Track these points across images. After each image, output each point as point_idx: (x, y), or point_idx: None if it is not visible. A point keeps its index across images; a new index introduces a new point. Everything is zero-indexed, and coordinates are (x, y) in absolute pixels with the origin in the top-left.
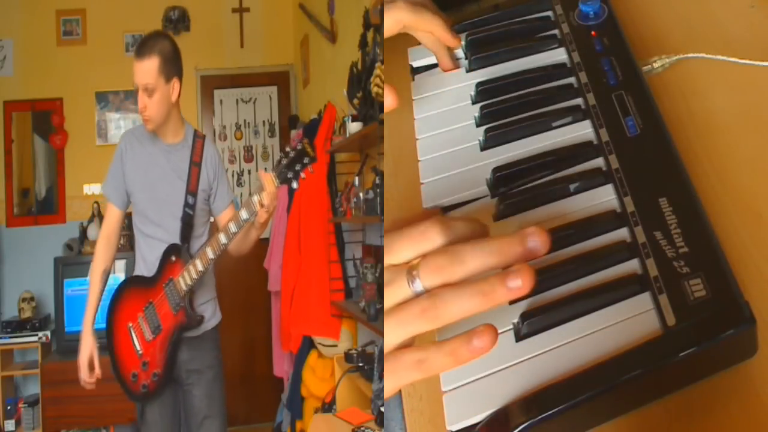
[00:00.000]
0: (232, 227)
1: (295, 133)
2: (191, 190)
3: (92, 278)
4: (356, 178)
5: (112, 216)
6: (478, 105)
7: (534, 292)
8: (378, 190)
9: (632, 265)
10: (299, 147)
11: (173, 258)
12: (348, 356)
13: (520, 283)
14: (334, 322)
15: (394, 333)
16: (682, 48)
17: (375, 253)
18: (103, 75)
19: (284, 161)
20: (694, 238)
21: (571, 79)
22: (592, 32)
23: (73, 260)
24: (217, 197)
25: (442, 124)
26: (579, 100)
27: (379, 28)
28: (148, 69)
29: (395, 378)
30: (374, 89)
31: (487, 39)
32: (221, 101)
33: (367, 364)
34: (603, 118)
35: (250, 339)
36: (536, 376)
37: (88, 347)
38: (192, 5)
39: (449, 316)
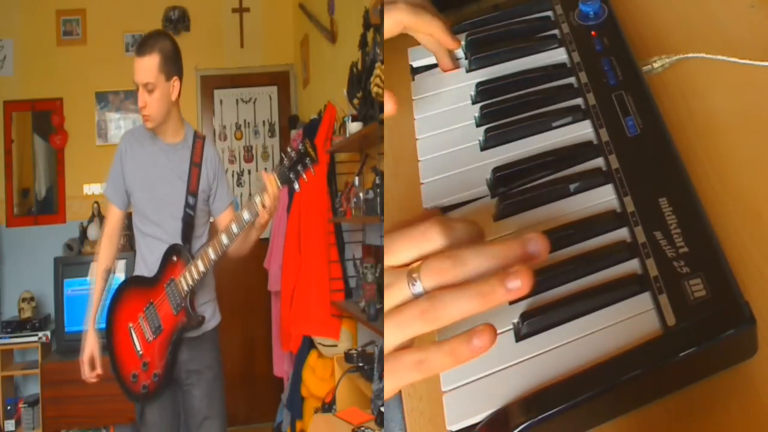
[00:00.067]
0: (234, 228)
1: (295, 133)
2: (192, 191)
3: (95, 277)
4: (356, 178)
5: (114, 216)
6: (478, 105)
7: (534, 293)
8: (378, 190)
9: (632, 265)
10: (301, 148)
11: (174, 258)
12: (348, 356)
13: (519, 283)
14: (334, 322)
15: (393, 335)
16: (682, 48)
17: (375, 253)
18: (103, 75)
19: (286, 162)
20: (694, 238)
21: (571, 79)
22: (592, 32)
23: (73, 260)
24: (216, 198)
25: (442, 124)
26: (579, 100)
27: (379, 28)
28: (148, 66)
29: (395, 378)
30: (374, 89)
31: (487, 39)
32: (221, 101)
33: (367, 364)
34: (603, 118)
35: (250, 339)
36: (536, 376)
37: (90, 346)
38: (192, 5)
39: (448, 318)
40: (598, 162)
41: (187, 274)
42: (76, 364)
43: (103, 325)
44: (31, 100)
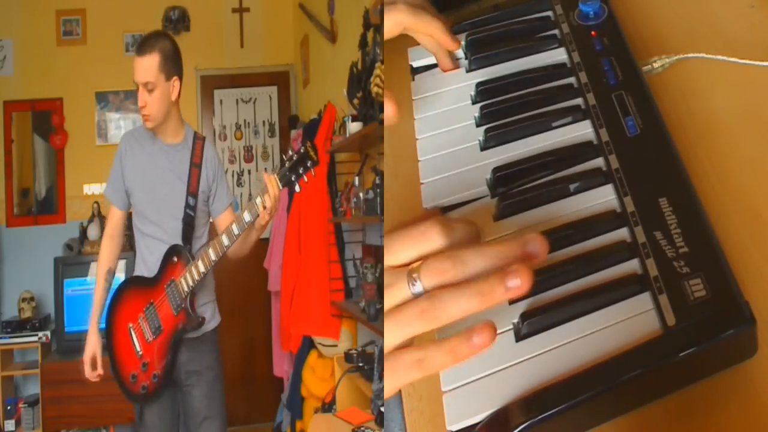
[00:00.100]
0: (235, 229)
1: (295, 133)
2: (192, 191)
3: (97, 277)
4: (356, 178)
5: (115, 217)
6: (478, 105)
7: (534, 292)
8: (378, 190)
9: (632, 265)
10: (302, 150)
11: (175, 259)
12: (348, 356)
13: (518, 282)
14: (334, 322)
15: (393, 334)
16: (682, 48)
17: (375, 253)
18: (103, 75)
19: (287, 164)
20: (694, 238)
21: (571, 79)
22: (592, 32)
23: (73, 260)
24: (216, 199)
25: (442, 124)
26: (579, 100)
27: (379, 28)
28: (148, 66)
29: (395, 378)
30: (374, 89)
31: (487, 39)
32: (221, 101)
33: (367, 364)
34: (603, 118)
35: (250, 339)
36: (536, 376)
37: (92, 346)
38: (192, 5)
39: (448, 317)
40: (598, 162)
41: (188, 275)
42: (76, 364)
43: (103, 325)
44: (31, 100)
